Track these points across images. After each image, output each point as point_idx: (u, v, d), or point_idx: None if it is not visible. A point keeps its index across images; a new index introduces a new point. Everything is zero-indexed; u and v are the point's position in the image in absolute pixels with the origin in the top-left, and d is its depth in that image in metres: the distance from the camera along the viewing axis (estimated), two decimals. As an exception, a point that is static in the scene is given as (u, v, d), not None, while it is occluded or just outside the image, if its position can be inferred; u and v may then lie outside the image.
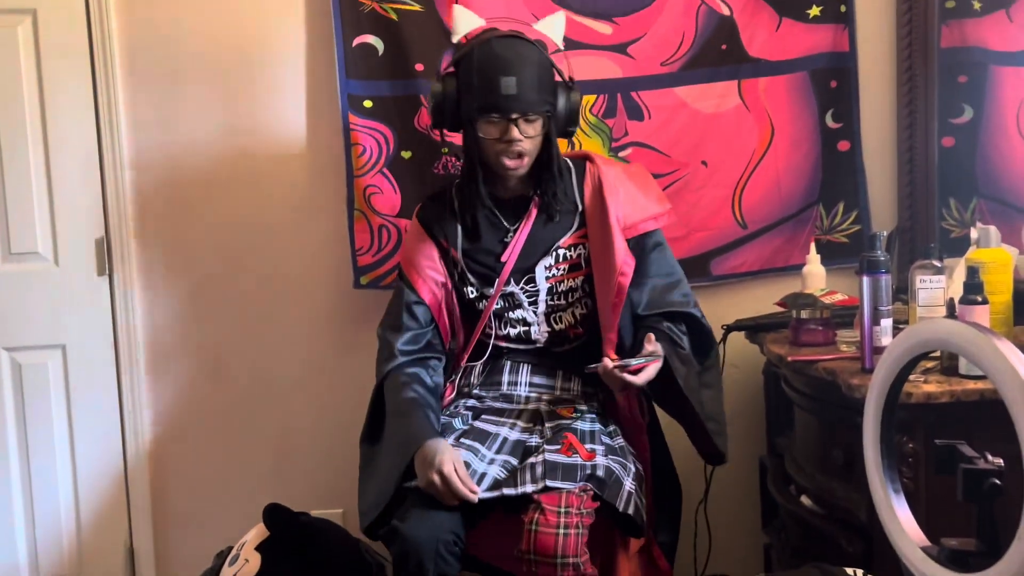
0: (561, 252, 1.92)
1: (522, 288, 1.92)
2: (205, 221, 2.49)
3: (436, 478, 1.65)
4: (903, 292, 2.06)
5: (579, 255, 1.92)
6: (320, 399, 2.53)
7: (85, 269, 2.44)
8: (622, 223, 1.89)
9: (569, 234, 1.92)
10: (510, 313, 1.95)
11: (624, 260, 1.86)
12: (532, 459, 1.74)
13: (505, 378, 1.95)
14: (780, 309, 2.22)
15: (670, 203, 2.03)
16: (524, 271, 1.91)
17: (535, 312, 1.93)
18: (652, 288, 1.92)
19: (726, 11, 2.41)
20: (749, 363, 2.42)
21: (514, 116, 1.78)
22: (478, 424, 1.87)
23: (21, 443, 2.44)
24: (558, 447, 1.76)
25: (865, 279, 1.69)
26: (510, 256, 1.90)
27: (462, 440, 1.80)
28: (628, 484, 1.77)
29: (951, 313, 1.70)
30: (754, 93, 2.45)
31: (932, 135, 2.37)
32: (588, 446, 1.79)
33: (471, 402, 1.96)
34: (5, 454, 2.43)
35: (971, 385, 1.62)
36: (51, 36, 2.38)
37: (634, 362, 1.75)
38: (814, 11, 2.43)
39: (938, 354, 1.73)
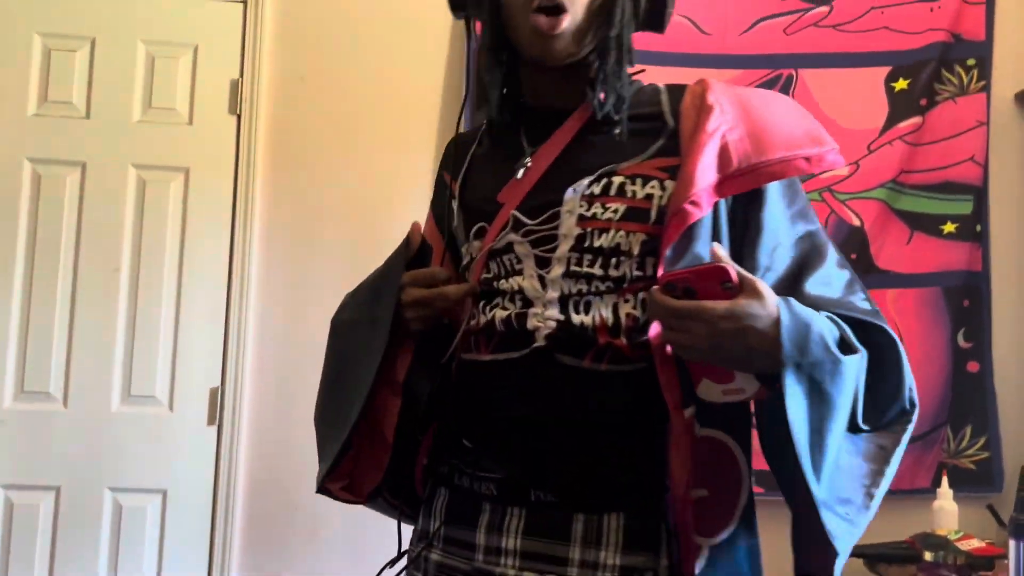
0: (617, 181, 1.05)
1: (531, 232, 1.07)
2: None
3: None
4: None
5: (649, 196, 1.04)
6: None
7: (196, 417, 2.48)
8: (734, 152, 1.02)
9: (640, 159, 1.06)
10: (502, 282, 1.08)
11: (703, 175, 1.00)
12: None
13: (481, 535, 1.06)
14: (901, 539, 2.10)
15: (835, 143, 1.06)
16: (541, 207, 1.07)
17: (543, 277, 1.05)
18: (784, 275, 1.04)
19: (856, 222, 2.40)
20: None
21: None
22: None
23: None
24: None
25: (1016, 544, 1.59)
26: (511, 193, 1.09)
27: None
28: None
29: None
30: (881, 305, 2.39)
31: (1071, 366, 2.28)
32: None
33: None
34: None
35: None
36: (199, 192, 2.50)
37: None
38: (948, 227, 2.40)
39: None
